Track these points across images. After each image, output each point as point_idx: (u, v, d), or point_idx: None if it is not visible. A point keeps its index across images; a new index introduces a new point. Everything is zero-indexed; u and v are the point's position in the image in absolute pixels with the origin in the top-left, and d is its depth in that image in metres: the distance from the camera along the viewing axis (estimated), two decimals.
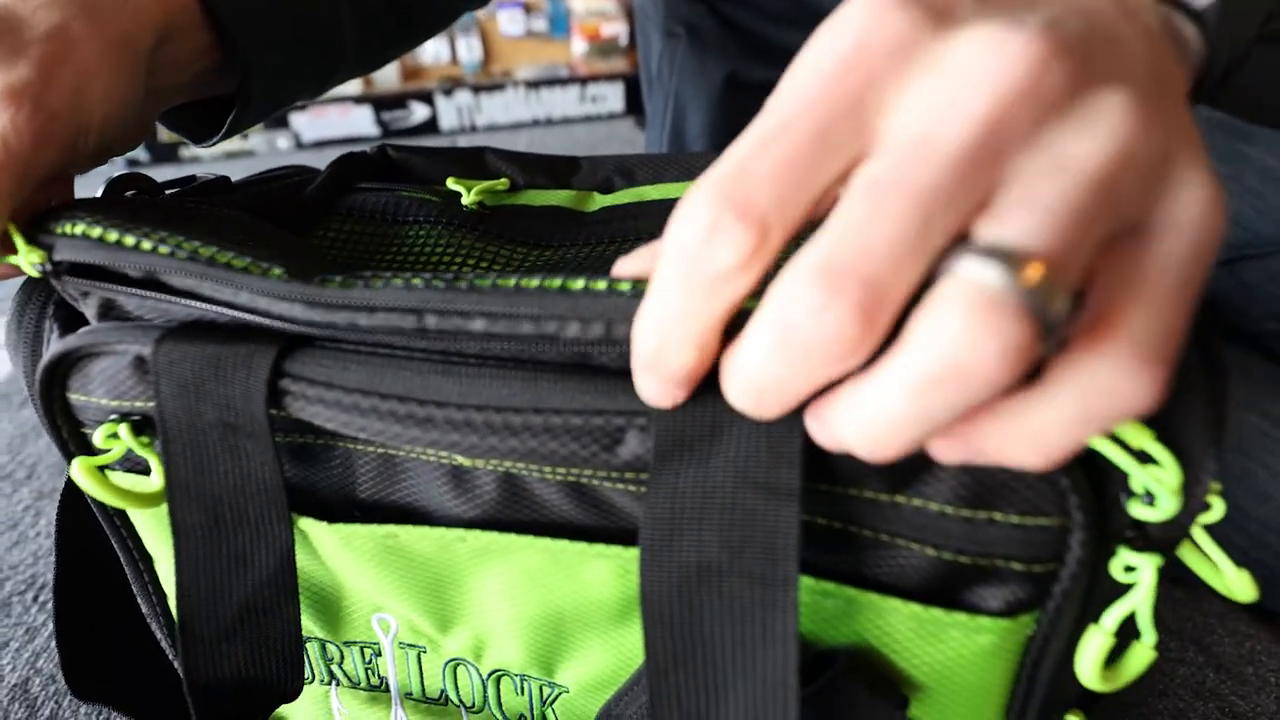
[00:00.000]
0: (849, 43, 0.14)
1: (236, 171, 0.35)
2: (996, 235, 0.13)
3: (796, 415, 0.18)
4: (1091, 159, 0.13)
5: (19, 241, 0.24)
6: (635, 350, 0.17)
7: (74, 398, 0.26)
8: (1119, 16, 0.16)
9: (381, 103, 1.84)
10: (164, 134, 1.76)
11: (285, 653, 0.26)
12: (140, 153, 1.72)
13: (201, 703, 0.26)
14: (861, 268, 0.13)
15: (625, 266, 0.19)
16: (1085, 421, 0.15)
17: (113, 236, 0.23)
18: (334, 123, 1.83)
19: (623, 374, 0.20)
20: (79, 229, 0.23)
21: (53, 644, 0.47)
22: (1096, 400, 0.14)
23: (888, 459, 0.16)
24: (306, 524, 0.26)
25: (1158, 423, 0.18)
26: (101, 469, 0.25)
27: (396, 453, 0.25)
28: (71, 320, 0.27)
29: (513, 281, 0.20)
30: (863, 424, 0.15)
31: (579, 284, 0.19)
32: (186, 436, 0.24)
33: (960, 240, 0.14)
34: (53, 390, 0.25)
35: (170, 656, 0.33)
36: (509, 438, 0.21)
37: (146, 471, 0.26)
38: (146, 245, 0.22)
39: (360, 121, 1.84)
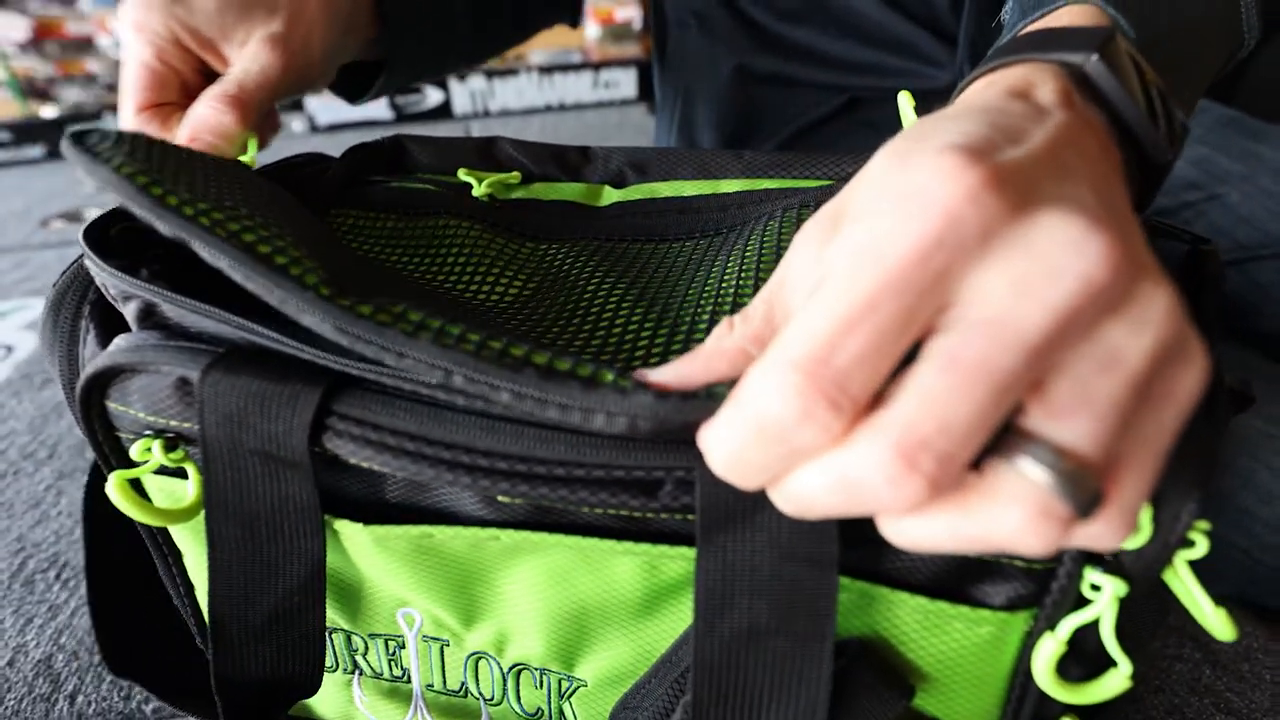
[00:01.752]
0: (940, 222, 0.15)
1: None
2: (1053, 433, 0.15)
3: None
4: (1138, 356, 0.15)
5: (252, 146, 0.33)
6: (706, 459, 0.17)
7: (112, 406, 0.26)
8: (1111, 174, 0.17)
9: None
10: None
11: (309, 654, 0.27)
12: None
13: (228, 698, 0.28)
14: (939, 443, 0.15)
15: (654, 376, 0.19)
16: (1061, 547, 0.17)
17: (157, 191, 0.22)
18: (348, 106, 1.83)
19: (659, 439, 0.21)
20: (127, 170, 0.22)
21: (75, 621, 0.48)
22: (1080, 543, 0.16)
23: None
24: (339, 524, 0.26)
25: None
26: (134, 482, 0.25)
27: None
28: (107, 319, 0.27)
29: (545, 358, 0.20)
30: (903, 534, 0.17)
31: (609, 377, 0.19)
32: (228, 459, 0.24)
33: (1016, 413, 0.15)
34: (92, 397, 0.26)
35: (197, 641, 0.34)
36: (552, 486, 0.22)
37: (180, 475, 0.27)
38: (189, 211, 0.21)
39: (374, 105, 1.84)
